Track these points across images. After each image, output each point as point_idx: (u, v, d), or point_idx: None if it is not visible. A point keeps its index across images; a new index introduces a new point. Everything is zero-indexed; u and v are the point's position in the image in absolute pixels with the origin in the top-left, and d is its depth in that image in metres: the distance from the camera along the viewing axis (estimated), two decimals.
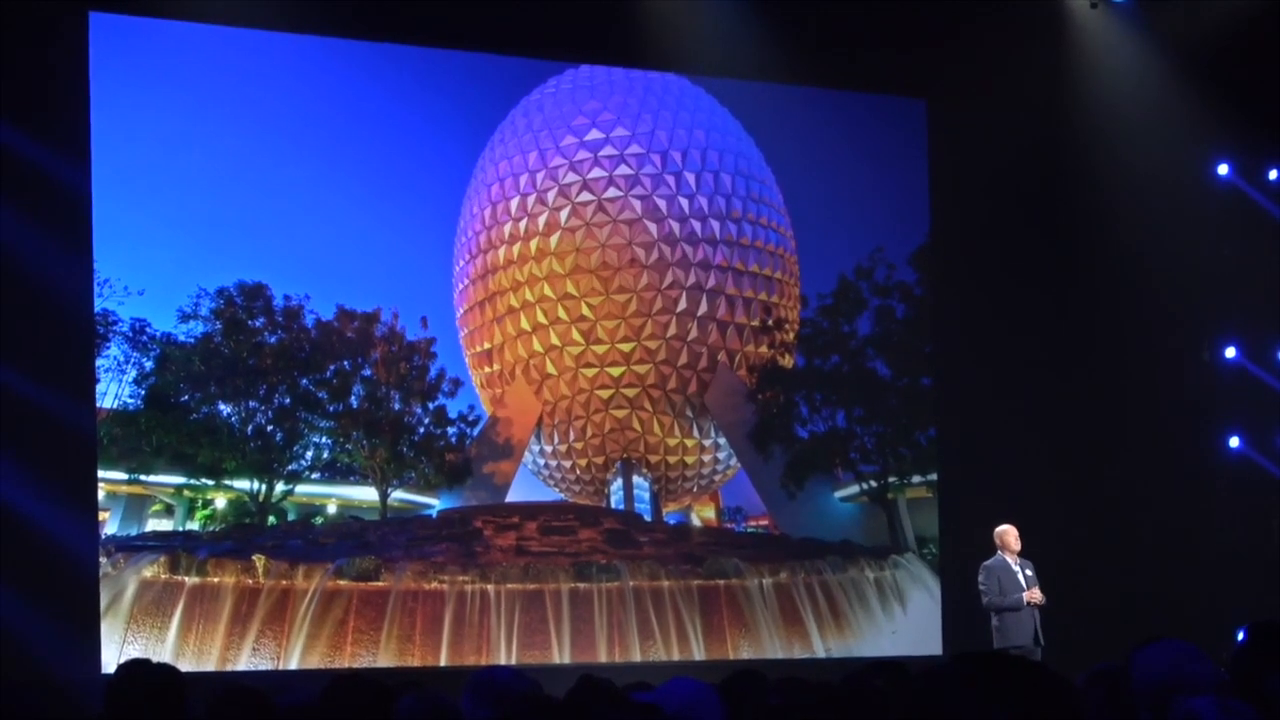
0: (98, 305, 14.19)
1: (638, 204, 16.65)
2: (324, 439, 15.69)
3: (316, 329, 15.50)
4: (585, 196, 16.49)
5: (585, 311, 16.39)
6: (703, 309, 16.74)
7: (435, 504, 15.93)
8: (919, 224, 17.20)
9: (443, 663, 14.23)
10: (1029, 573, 13.77)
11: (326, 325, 15.53)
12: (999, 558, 13.78)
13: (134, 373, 14.76)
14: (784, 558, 16.31)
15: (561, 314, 16.38)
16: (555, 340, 16.43)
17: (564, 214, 16.45)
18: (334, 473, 15.78)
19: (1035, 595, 13.53)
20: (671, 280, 16.63)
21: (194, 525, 15.21)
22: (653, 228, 16.61)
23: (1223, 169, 16.45)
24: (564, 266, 16.47)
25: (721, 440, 17.08)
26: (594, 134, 16.59)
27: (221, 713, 5.13)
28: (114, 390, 14.60)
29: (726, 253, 16.90)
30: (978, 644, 13.61)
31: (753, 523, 17.28)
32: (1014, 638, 13.46)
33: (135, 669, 5.21)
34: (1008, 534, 13.84)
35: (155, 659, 5.74)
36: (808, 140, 16.93)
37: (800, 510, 16.68)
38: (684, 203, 16.82)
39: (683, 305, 16.66)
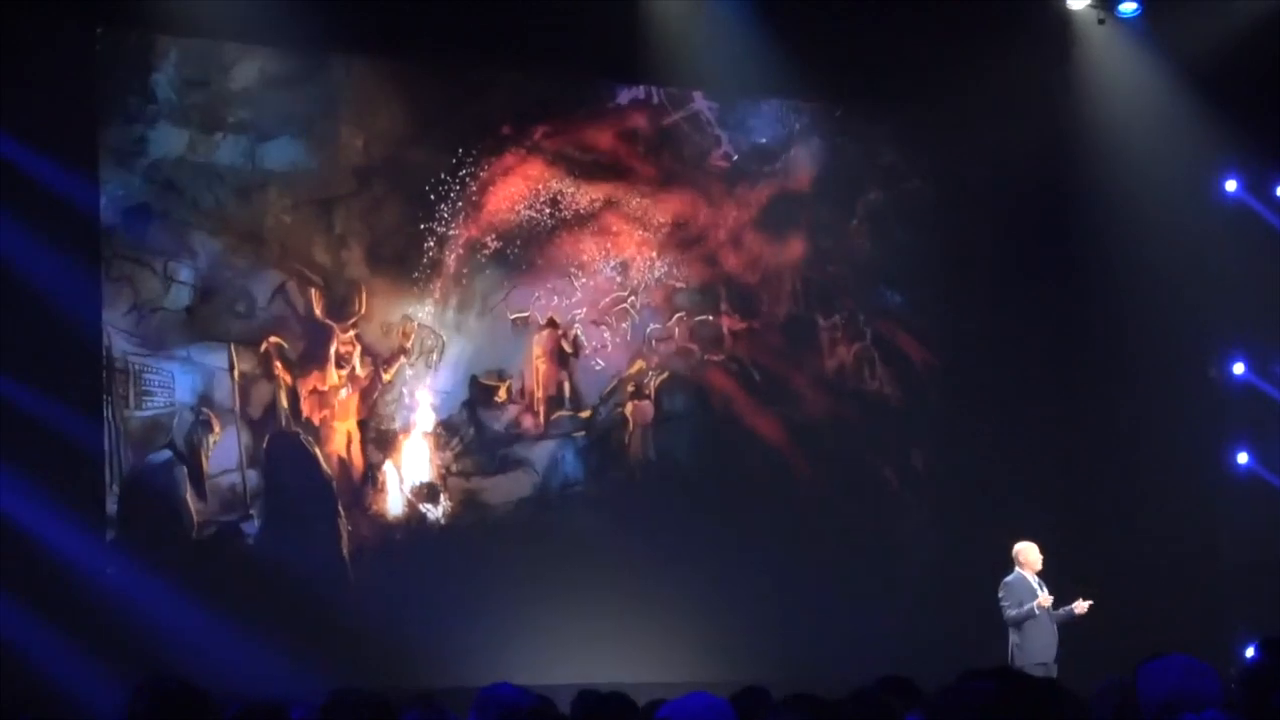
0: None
1: None
2: None
3: None
4: None
5: None
6: None
7: None
8: (924, 235, 17.18)
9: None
10: (1044, 591, 13.80)
11: None
12: (1018, 574, 13.80)
13: None
14: None
15: None
16: None
17: None
18: None
19: (1045, 599, 13.56)
20: None
21: None
22: None
23: (1230, 184, 16.46)
24: None
25: None
26: None
27: None
28: None
29: None
30: (983, 662, 13.57)
31: None
32: (1034, 655, 13.46)
33: (156, 684, 5.16)
34: (1028, 551, 13.86)
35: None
36: (814, 157, 16.93)
37: None
38: None
39: None
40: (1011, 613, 13.67)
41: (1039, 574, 13.84)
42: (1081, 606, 13.81)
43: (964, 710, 2.86)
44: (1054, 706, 2.86)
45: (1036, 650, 13.54)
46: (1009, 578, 13.82)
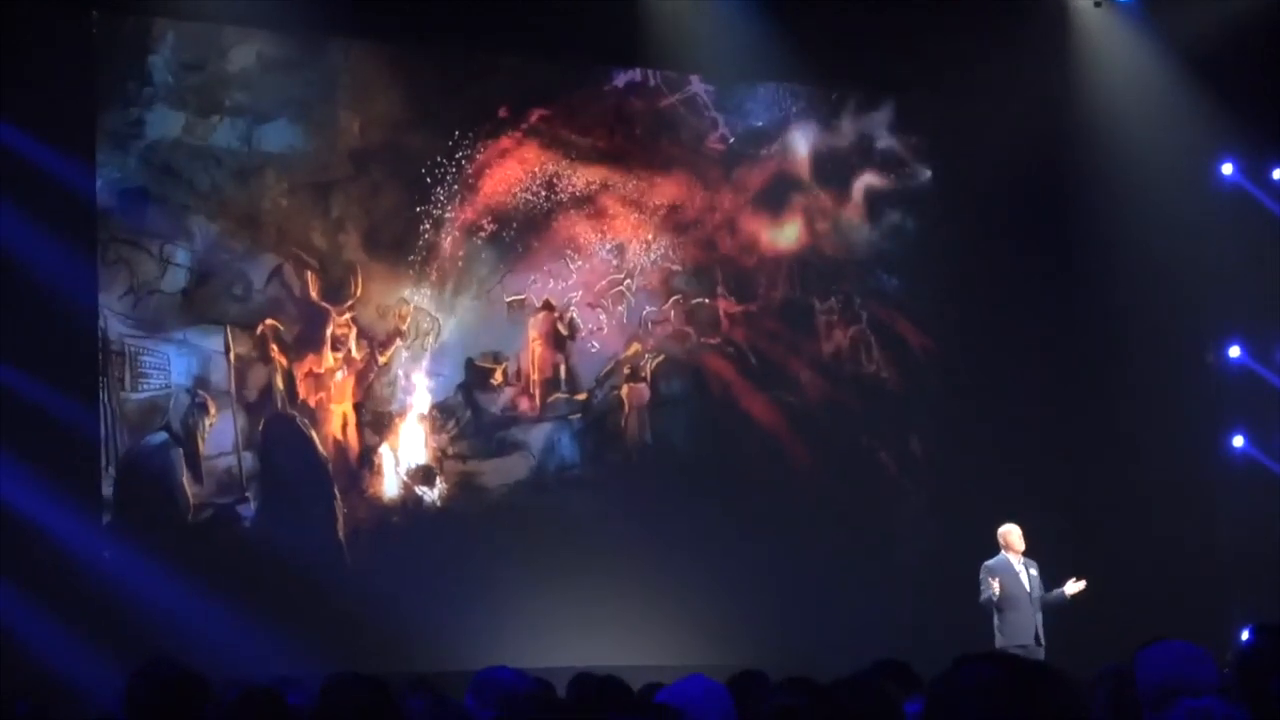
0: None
1: None
2: None
3: None
4: None
5: None
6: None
7: None
8: (920, 219, 17.20)
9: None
10: (1033, 572, 13.85)
11: None
12: (1001, 557, 13.86)
13: None
14: None
15: None
16: None
17: None
18: None
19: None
20: None
21: None
22: None
23: (1227, 168, 16.47)
24: None
25: None
26: None
27: (239, 714, 5.11)
28: None
29: None
30: (981, 647, 13.62)
31: None
32: (1015, 638, 13.53)
33: (155, 669, 5.17)
34: (1010, 533, 13.92)
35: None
36: (811, 140, 16.92)
37: None
38: None
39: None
40: (981, 596, 13.77)
41: (1024, 554, 13.89)
42: (1073, 587, 13.84)
43: (963, 695, 2.86)
44: (1051, 691, 2.87)
45: (1015, 633, 13.61)
46: (990, 560, 13.89)
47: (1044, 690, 2.86)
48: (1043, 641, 13.61)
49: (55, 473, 13.41)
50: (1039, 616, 13.72)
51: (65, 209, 13.84)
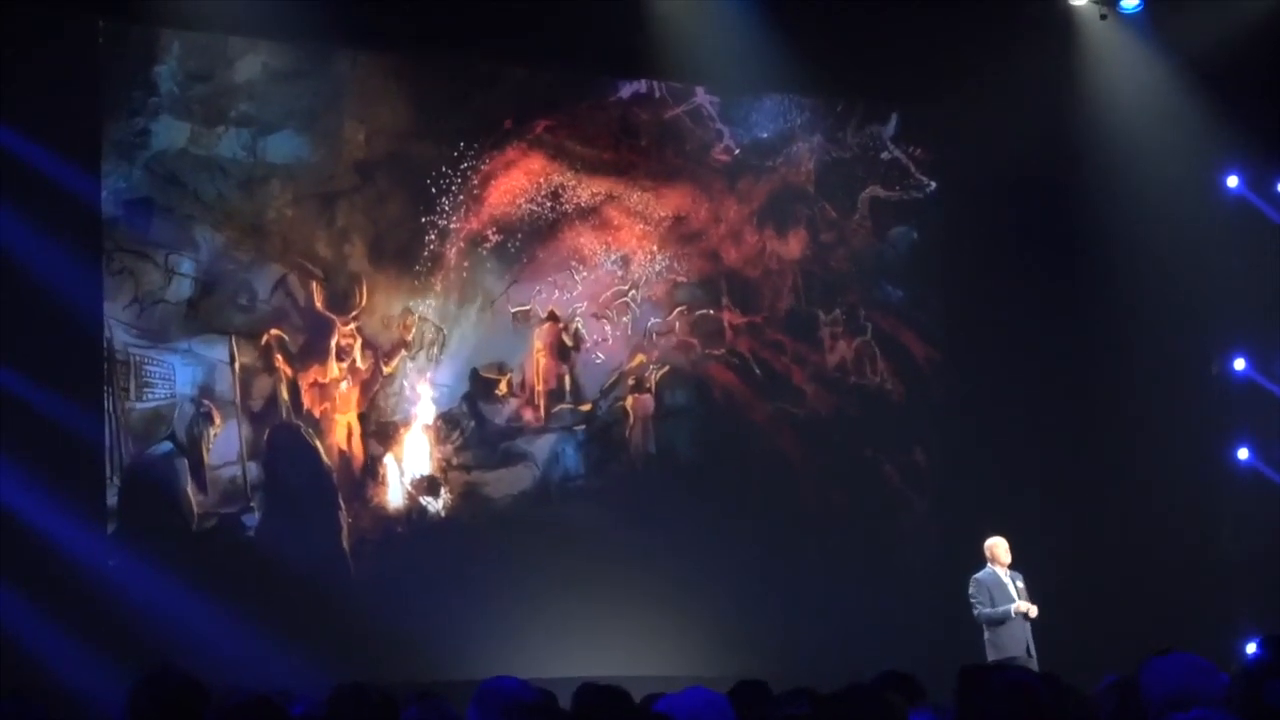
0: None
1: None
2: None
3: None
4: None
5: None
6: None
7: None
8: (925, 230, 17.20)
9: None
10: (1020, 584, 13.88)
11: None
12: (989, 570, 13.93)
13: None
14: None
15: None
16: None
17: None
18: None
19: (1023, 606, 13.60)
20: None
21: None
22: None
23: (1232, 181, 16.46)
24: None
25: None
26: None
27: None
28: None
29: None
30: (982, 656, 13.62)
31: None
32: (1007, 650, 13.57)
33: (158, 678, 5.16)
34: (997, 546, 13.99)
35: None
36: (815, 152, 16.92)
37: None
38: None
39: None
40: (982, 610, 13.75)
41: (1011, 567, 13.91)
42: (1022, 606, 13.78)
43: (987, 703, 2.87)
44: (1058, 702, 2.88)
45: (1007, 645, 13.65)
46: (979, 574, 13.95)
47: (1052, 701, 2.87)
48: (1033, 653, 13.62)
49: (60, 482, 13.42)
50: (1029, 628, 13.74)
51: (70, 218, 13.84)
